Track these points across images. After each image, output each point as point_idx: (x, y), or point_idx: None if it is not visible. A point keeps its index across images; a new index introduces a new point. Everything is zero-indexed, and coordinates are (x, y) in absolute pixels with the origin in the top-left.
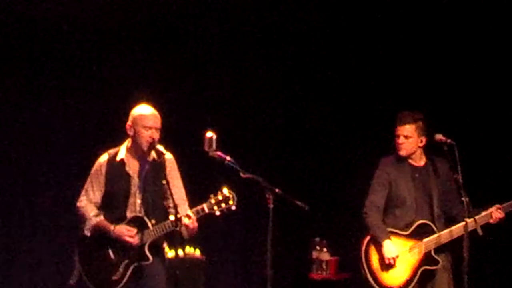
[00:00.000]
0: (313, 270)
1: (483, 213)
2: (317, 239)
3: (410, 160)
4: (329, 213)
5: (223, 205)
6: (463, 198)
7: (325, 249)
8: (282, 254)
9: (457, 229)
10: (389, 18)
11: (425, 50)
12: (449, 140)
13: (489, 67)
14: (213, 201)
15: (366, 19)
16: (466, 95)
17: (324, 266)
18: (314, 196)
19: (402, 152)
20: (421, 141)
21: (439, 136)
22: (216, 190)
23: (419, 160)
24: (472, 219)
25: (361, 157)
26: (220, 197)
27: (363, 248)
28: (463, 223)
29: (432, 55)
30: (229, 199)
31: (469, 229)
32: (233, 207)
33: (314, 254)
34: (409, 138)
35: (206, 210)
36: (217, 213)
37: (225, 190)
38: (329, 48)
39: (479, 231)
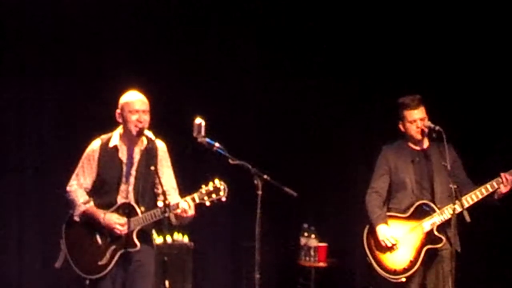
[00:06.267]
0: (301, 257)
1: (488, 183)
2: (306, 225)
3: (411, 144)
4: (317, 200)
5: (213, 195)
6: (450, 185)
7: (313, 236)
8: (270, 240)
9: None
10: (377, 10)
11: (410, 40)
12: (437, 127)
13: (479, 54)
14: (204, 191)
15: (357, 10)
16: (455, 81)
17: (312, 253)
18: (303, 183)
19: (419, 136)
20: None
21: (427, 123)
22: (207, 180)
23: (422, 143)
24: (459, 204)
25: (350, 143)
26: (211, 188)
27: (364, 235)
28: (463, 200)
29: (421, 44)
30: (219, 190)
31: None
32: (223, 199)
33: (303, 240)
34: (424, 120)
35: (197, 200)
36: (207, 203)
37: (217, 181)
38: (318, 34)
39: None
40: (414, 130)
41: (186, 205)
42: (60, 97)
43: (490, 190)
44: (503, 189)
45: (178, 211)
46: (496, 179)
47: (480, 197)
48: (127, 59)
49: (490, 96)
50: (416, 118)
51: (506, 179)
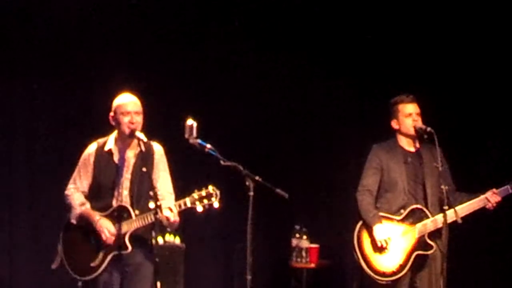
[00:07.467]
0: (293, 258)
1: (479, 197)
2: (297, 226)
3: (402, 145)
4: (309, 201)
5: (205, 201)
6: (442, 187)
7: (305, 237)
8: (262, 242)
9: (449, 214)
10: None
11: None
12: (428, 129)
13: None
14: (196, 196)
15: (354, 11)
16: (449, 82)
17: (304, 254)
18: (295, 184)
19: (413, 131)
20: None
21: (418, 125)
22: (201, 185)
23: (413, 145)
24: (452, 209)
25: (342, 144)
26: (204, 193)
27: (355, 233)
28: (456, 208)
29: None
30: (212, 196)
31: (449, 218)
32: (216, 205)
33: (294, 241)
34: (419, 115)
35: (188, 205)
36: (199, 208)
37: (210, 188)
38: (312, 34)
39: (459, 220)
40: (409, 124)
41: (169, 213)
42: (53, 101)
43: (480, 205)
44: (490, 207)
45: (168, 214)
46: (485, 194)
47: (470, 211)
48: (120, 62)
49: (484, 99)
50: (412, 112)
51: (495, 201)
